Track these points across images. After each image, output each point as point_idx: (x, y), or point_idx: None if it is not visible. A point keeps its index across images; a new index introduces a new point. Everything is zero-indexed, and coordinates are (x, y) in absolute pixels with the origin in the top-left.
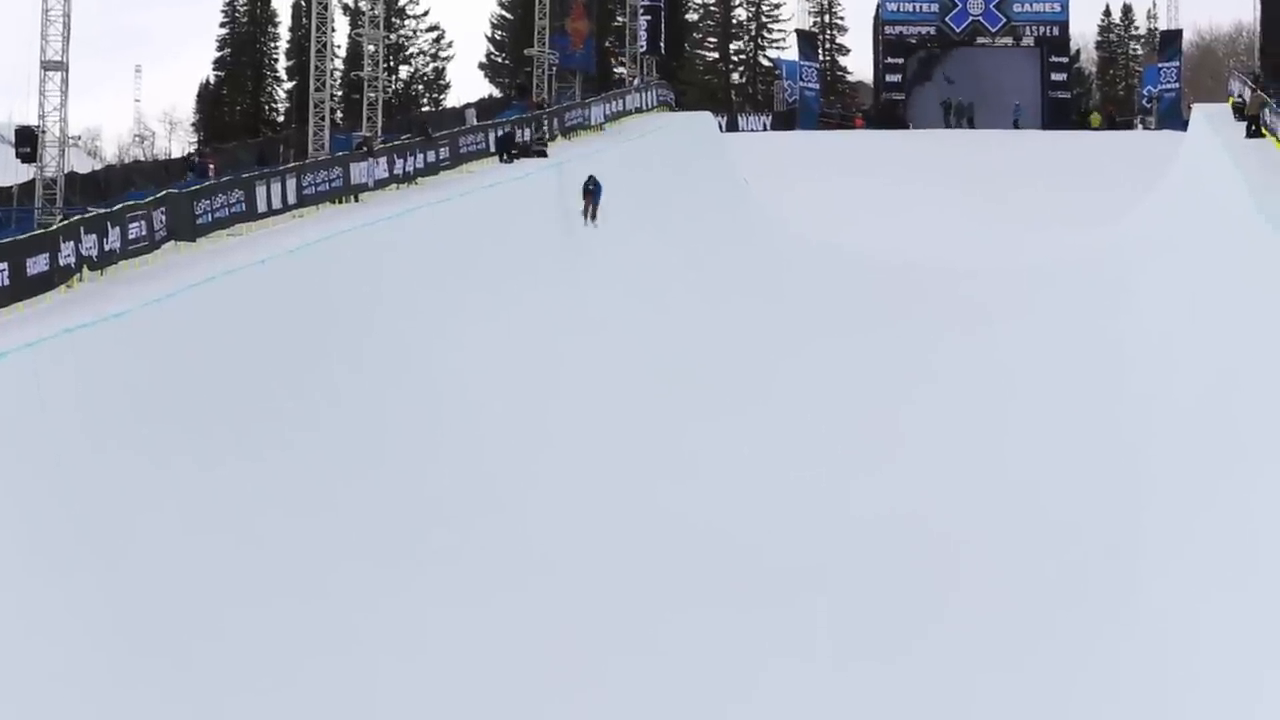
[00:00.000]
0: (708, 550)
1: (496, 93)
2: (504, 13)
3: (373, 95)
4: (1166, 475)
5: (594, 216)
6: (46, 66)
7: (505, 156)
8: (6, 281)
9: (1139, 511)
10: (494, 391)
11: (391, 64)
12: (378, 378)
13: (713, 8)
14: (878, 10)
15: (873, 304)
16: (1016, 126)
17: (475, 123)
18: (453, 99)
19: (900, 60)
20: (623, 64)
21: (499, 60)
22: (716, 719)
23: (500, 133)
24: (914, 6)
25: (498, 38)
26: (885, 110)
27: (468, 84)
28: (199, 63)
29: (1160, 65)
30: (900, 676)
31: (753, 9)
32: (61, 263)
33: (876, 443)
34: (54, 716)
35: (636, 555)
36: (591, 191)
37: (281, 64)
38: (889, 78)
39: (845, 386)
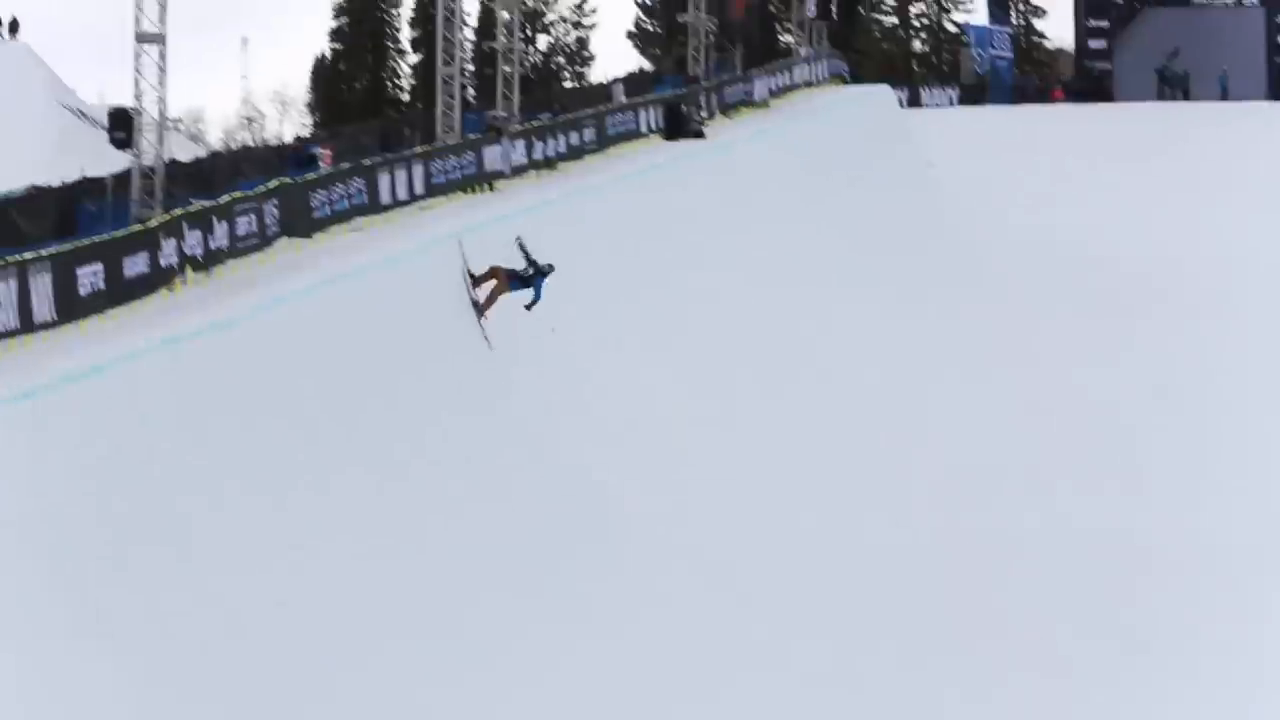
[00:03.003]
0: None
1: (647, 65)
2: None
3: (508, 69)
4: None
5: (484, 313)
6: (141, 39)
7: (674, 132)
8: (102, 284)
9: None
10: (652, 409)
11: (528, 33)
12: (518, 389)
13: None
14: None
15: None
16: (1224, 98)
17: (623, 100)
18: (598, 73)
19: (1105, 24)
20: (789, 31)
21: (649, 28)
22: None
23: (664, 106)
24: None
25: (648, 3)
26: (1088, 81)
27: (614, 55)
28: (313, 35)
29: None
30: None
31: None
32: (162, 263)
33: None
34: None
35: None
36: (520, 275)
37: (405, 35)
38: (1092, 43)
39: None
